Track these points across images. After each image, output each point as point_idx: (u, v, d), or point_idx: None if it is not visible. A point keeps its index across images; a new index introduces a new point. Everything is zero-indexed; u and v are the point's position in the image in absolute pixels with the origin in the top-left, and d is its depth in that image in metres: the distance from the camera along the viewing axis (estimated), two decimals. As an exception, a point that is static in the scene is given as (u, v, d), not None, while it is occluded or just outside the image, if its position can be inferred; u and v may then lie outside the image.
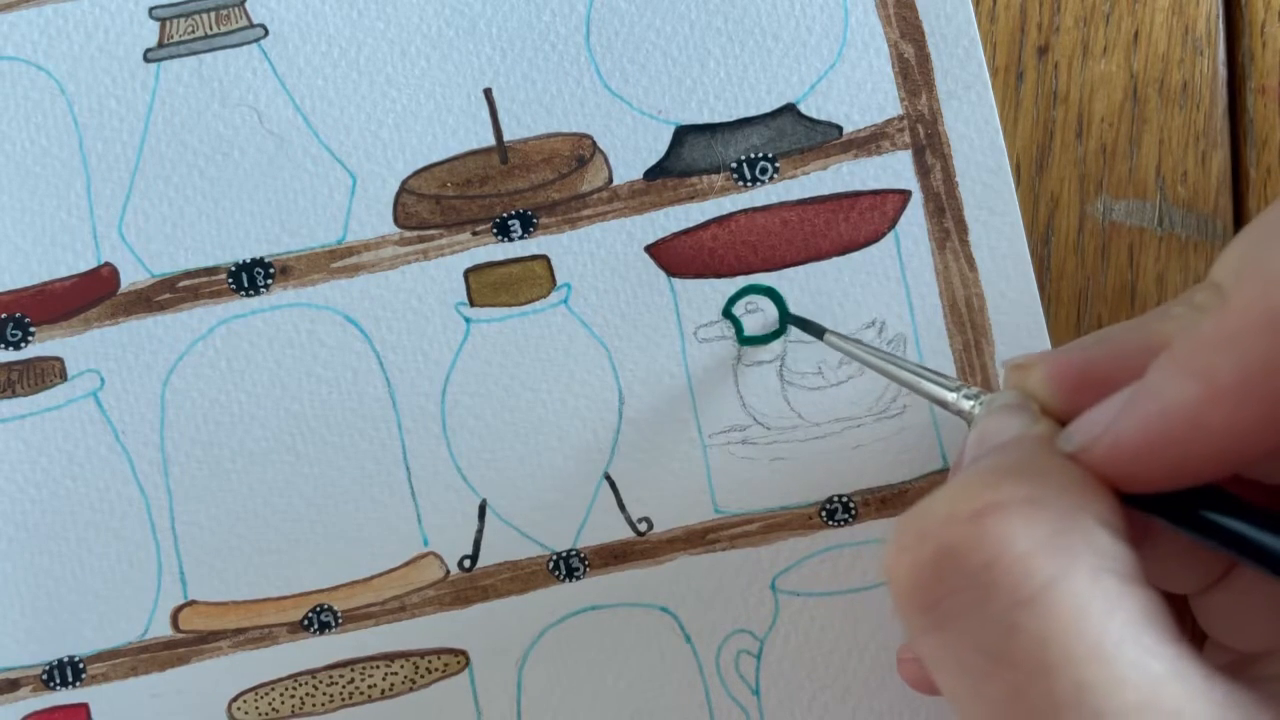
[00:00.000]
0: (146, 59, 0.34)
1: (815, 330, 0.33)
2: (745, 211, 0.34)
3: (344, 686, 0.34)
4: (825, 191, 0.34)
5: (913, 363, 0.30)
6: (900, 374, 0.30)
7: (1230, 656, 0.27)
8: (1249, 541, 0.22)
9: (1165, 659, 0.20)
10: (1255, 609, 0.27)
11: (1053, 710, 0.20)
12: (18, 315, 0.33)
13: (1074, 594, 0.20)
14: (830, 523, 0.34)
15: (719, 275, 0.34)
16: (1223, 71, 0.34)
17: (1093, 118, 0.34)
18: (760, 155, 0.34)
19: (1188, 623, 0.30)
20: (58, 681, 0.33)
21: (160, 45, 0.34)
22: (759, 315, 0.34)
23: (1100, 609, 0.20)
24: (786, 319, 0.34)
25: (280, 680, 0.34)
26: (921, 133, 0.34)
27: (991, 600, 0.21)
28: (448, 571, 0.34)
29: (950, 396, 0.28)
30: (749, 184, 0.34)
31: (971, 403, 0.27)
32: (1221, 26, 0.34)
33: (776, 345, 0.34)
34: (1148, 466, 0.22)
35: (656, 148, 0.34)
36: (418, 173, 0.34)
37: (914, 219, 0.34)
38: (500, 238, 0.34)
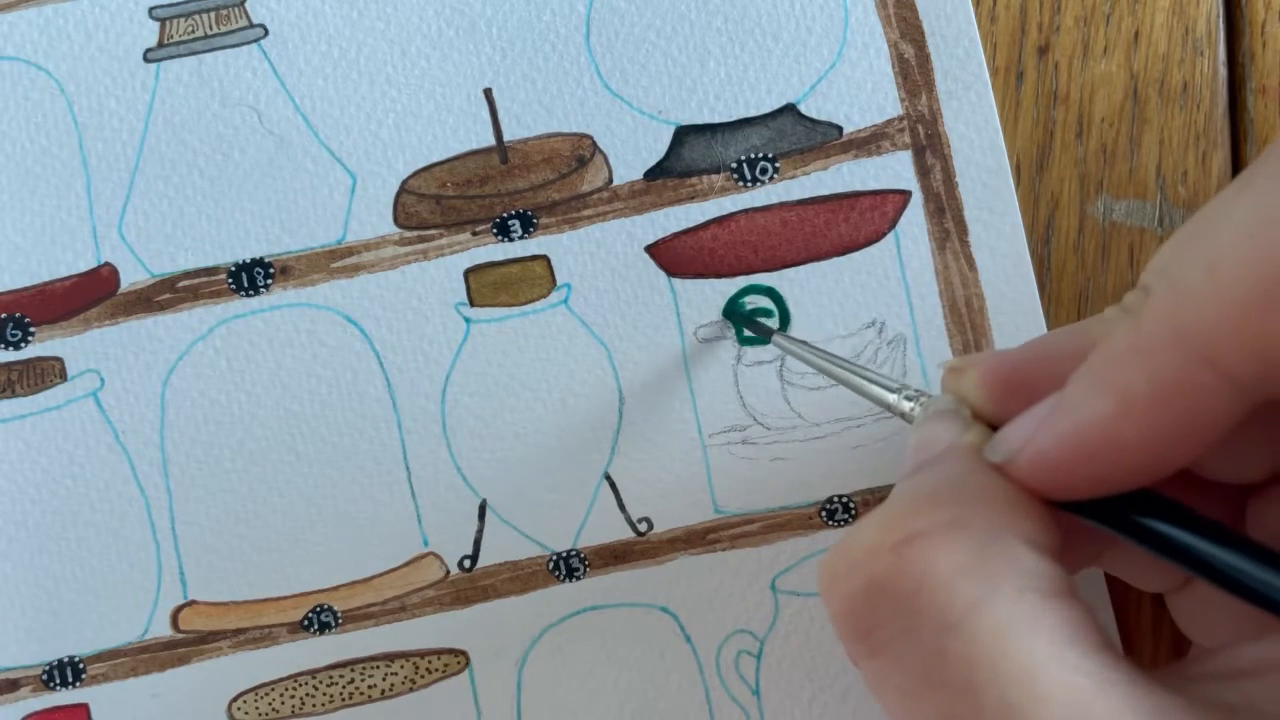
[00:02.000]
0: (146, 59, 0.34)
1: (764, 332, 0.33)
2: (745, 211, 0.34)
3: (344, 686, 0.34)
4: (825, 192, 0.34)
5: (857, 364, 0.30)
6: (844, 375, 0.30)
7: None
8: (1174, 543, 0.22)
9: (1089, 673, 0.21)
10: (1216, 607, 0.27)
11: None
12: (18, 315, 0.33)
13: (997, 616, 0.21)
14: (830, 523, 0.34)
15: (719, 275, 0.34)
16: (1223, 71, 0.34)
17: (1093, 118, 0.34)
18: (760, 155, 0.34)
19: (1168, 622, 0.30)
20: (58, 681, 0.33)
21: (160, 45, 0.34)
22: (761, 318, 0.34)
23: (1024, 628, 0.21)
24: (746, 323, 0.34)
25: (280, 680, 0.34)
26: (921, 133, 0.34)
27: (919, 627, 0.21)
28: (448, 571, 0.34)
29: (891, 398, 0.28)
30: (749, 184, 0.34)
31: (911, 404, 0.27)
32: (1222, 26, 0.34)
33: (776, 345, 0.34)
34: (1069, 478, 0.22)
35: (656, 148, 0.34)
36: (418, 173, 0.34)
37: (914, 219, 0.34)
38: (500, 238, 0.34)
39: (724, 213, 0.34)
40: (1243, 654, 0.22)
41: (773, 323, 0.34)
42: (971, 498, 0.23)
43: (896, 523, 0.22)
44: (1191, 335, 0.21)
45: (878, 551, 0.22)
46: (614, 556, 0.34)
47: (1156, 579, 0.28)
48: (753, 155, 0.34)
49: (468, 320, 0.34)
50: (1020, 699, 0.20)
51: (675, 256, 0.34)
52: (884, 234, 0.34)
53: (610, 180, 0.34)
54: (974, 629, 0.21)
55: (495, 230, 0.34)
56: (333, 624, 0.34)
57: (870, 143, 0.34)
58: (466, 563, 0.34)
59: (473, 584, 0.34)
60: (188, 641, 0.34)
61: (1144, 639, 0.34)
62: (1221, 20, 0.34)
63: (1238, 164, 0.34)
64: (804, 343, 0.32)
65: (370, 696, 0.34)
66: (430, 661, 0.34)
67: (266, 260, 0.34)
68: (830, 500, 0.34)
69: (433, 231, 0.34)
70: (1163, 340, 0.21)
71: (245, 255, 0.34)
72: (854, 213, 0.34)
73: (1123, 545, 0.27)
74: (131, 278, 0.34)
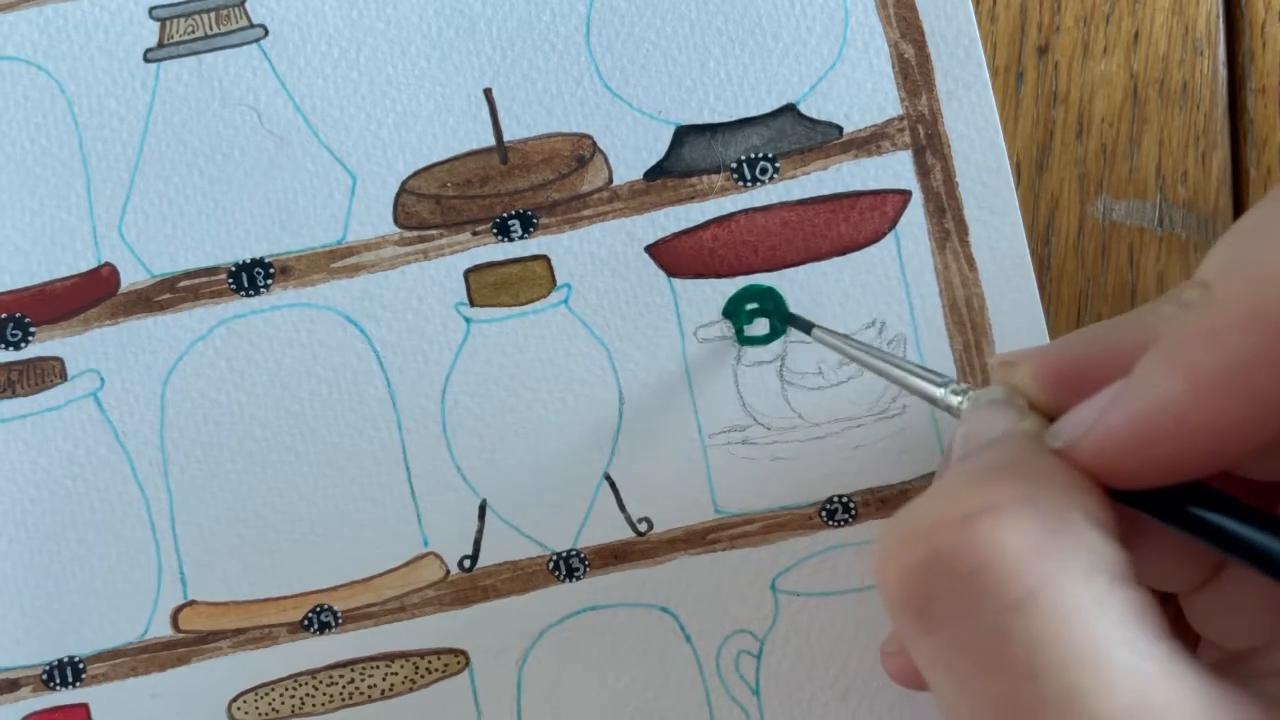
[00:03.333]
0: (146, 59, 0.34)
1: (804, 326, 0.33)
2: (745, 212, 0.34)
3: (344, 686, 0.34)
4: (825, 191, 0.34)
5: (901, 358, 0.30)
6: (889, 369, 0.30)
7: (1220, 654, 0.27)
8: (1236, 538, 0.22)
9: (1157, 660, 0.20)
10: (1245, 607, 0.27)
11: (1042, 715, 0.20)
12: (18, 315, 0.33)
13: (1064, 596, 0.20)
14: (830, 523, 0.34)
15: (719, 275, 0.34)
16: (1223, 71, 0.34)
17: (1093, 118, 0.34)
18: (760, 155, 0.34)
19: (1175, 621, 0.30)
20: (58, 681, 0.33)
21: (160, 45, 0.34)
22: (762, 318, 0.34)
23: (1091, 611, 0.20)
24: (785, 319, 0.34)
25: (280, 680, 0.34)
26: (921, 133, 0.34)
27: (981, 605, 0.21)
28: (448, 571, 0.34)
29: (938, 392, 0.28)
30: (749, 184, 0.34)
31: (959, 398, 0.27)
32: (1221, 26, 0.34)
33: (776, 345, 0.34)
34: (1134, 463, 0.22)
35: (656, 148, 0.34)
36: (418, 173, 0.34)
37: (914, 219, 0.34)
38: (500, 238, 0.34)
39: (724, 213, 0.34)
40: None
41: (766, 324, 0.34)
42: (1038, 476, 0.22)
43: (963, 497, 0.22)
44: (1267, 316, 0.20)
45: (942, 525, 0.21)
46: (614, 556, 0.34)
47: (1176, 578, 0.28)
48: (753, 155, 0.34)
49: (468, 320, 0.34)
50: (1085, 684, 0.20)
51: (675, 256, 0.34)
52: (884, 234, 0.34)
53: (610, 180, 0.34)
54: (1040, 609, 0.20)
55: (495, 230, 0.34)
56: (333, 624, 0.34)
57: (870, 143, 0.34)
58: (466, 563, 0.34)
59: (473, 584, 0.34)
60: (188, 641, 0.34)
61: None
62: (1221, 20, 0.34)
63: (1238, 164, 0.34)
64: (846, 336, 0.32)
65: (370, 696, 0.34)
66: (430, 661, 0.34)
67: (266, 260, 0.34)
68: (830, 500, 0.34)
69: (433, 231, 0.34)
70: (1237, 322, 0.21)
71: (245, 255, 0.34)
72: (854, 213, 0.34)
73: (1152, 543, 0.27)
74: (131, 278, 0.34)
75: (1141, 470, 0.22)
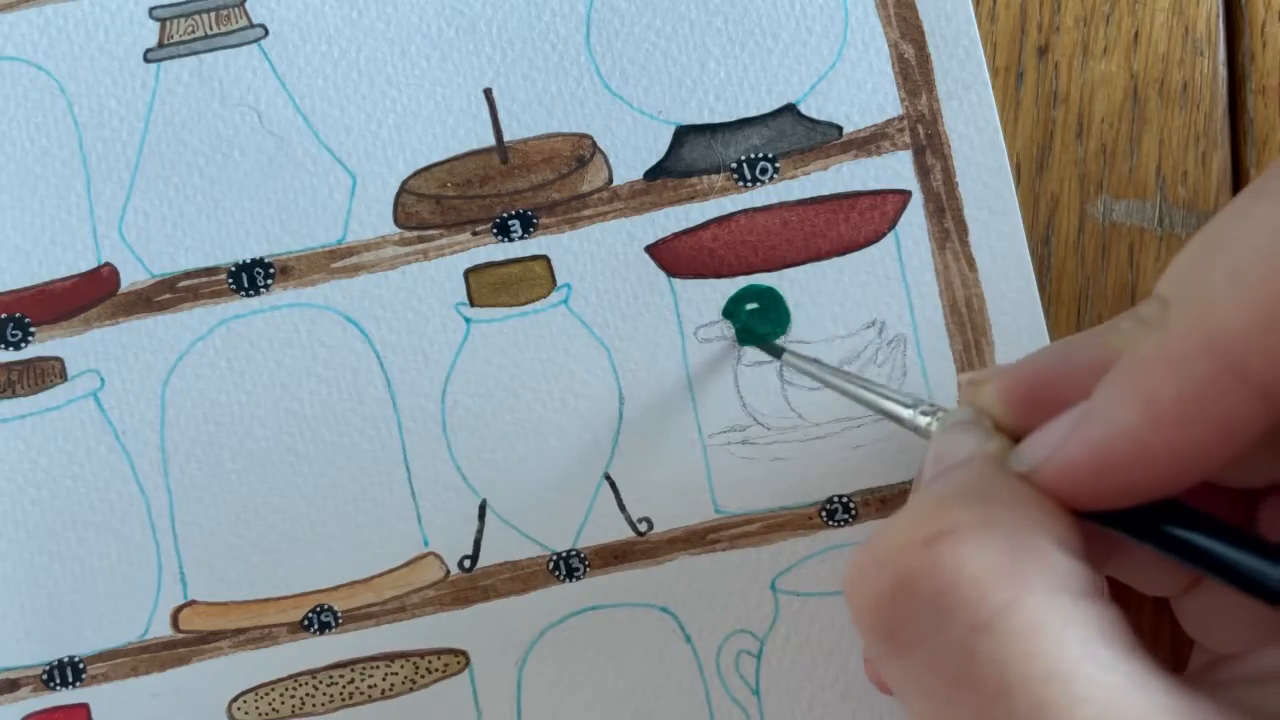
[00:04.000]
0: (146, 59, 0.34)
1: (774, 351, 0.33)
2: (745, 212, 0.34)
3: (344, 686, 0.34)
4: (825, 191, 0.34)
5: (870, 381, 0.30)
6: (858, 392, 0.30)
7: (1210, 658, 0.28)
8: (1205, 552, 0.22)
9: (1123, 673, 0.20)
10: (1226, 612, 0.27)
11: None
12: (18, 315, 0.33)
13: (1029, 615, 0.21)
14: (830, 523, 0.34)
15: (719, 275, 0.34)
16: (1223, 71, 0.34)
17: (1093, 118, 0.34)
18: (760, 155, 0.34)
19: (1168, 626, 0.30)
20: (58, 681, 0.33)
21: (160, 45, 0.34)
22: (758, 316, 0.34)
23: (1056, 628, 0.21)
24: (748, 339, 0.34)
25: (280, 680, 0.34)
26: (921, 133, 0.34)
27: (948, 626, 0.21)
28: (448, 571, 0.34)
29: (906, 414, 0.28)
30: (749, 184, 0.34)
31: (928, 419, 0.27)
32: (1221, 26, 0.34)
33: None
34: (1096, 488, 0.22)
35: (657, 148, 0.34)
36: (418, 173, 0.34)
37: (914, 219, 0.34)
38: (500, 238, 0.34)
39: (724, 213, 0.34)
40: (1270, 658, 0.22)
41: (767, 324, 0.34)
42: (1000, 499, 0.23)
43: (926, 521, 0.22)
44: (1220, 344, 0.21)
45: (907, 549, 0.22)
46: (614, 556, 0.34)
47: (1163, 583, 0.28)
48: (753, 155, 0.34)
49: (468, 320, 0.34)
50: (1055, 699, 0.20)
51: (675, 256, 0.34)
52: (884, 234, 0.34)
53: (610, 180, 0.34)
54: (1006, 628, 0.20)
55: (495, 230, 0.34)
56: (333, 624, 0.34)
57: (870, 143, 0.34)
58: (466, 563, 0.34)
59: (473, 584, 0.34)
60: (188, 641, 0.34)
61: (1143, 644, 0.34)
62: (1221, 20, 0.34)
63: (1238, 164, 0.34)
64: (815, 360, 0.32)
65: (370, 696, 0.34)
66: (430, 661, 0.34)
67: (266, 260, 0.34)
68: (830, 500, 0.34)
69: (433, 231, 0.34)
70: (1191, 349, 0.21)
71: (245, 255, 0.34)
72: (854, 213, 0.34)
73: (1130, 550, 0.27)
74: (131, 278, 0.34)
75: (1103, 494, 0.23)
